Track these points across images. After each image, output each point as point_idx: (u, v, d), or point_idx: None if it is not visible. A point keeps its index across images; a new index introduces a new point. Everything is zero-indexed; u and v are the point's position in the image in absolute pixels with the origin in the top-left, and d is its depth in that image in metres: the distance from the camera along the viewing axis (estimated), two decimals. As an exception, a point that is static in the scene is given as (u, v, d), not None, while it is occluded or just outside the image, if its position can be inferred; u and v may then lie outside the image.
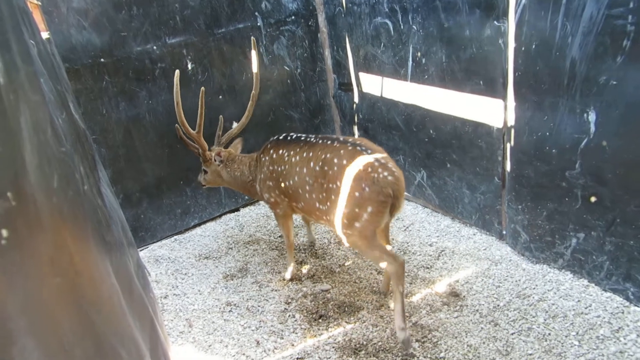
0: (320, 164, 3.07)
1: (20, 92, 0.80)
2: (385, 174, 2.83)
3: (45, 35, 3.53)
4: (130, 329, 1.18)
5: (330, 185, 3.00)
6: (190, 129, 3.63)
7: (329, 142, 3.16)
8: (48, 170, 0.83)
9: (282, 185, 3.40)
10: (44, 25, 3.64)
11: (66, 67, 3.73)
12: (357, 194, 2.86)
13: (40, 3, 3.41)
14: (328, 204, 3.05)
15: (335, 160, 3.00)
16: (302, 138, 3.40)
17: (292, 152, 3.34)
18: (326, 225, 3.57)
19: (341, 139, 3.17)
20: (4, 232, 0.65)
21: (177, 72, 3.46)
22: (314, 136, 3.35)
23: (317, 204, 3.16)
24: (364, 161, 2.89)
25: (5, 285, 0.64)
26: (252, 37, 3.73)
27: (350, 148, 3.01)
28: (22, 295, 0.67)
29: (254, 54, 3.69)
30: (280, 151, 3.43)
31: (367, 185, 2.82)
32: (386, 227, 3.26)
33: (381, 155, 2.97)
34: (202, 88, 3.56)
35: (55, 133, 0.98)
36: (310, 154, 3.18)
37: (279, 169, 3.41)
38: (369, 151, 2.96)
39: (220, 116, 3.84)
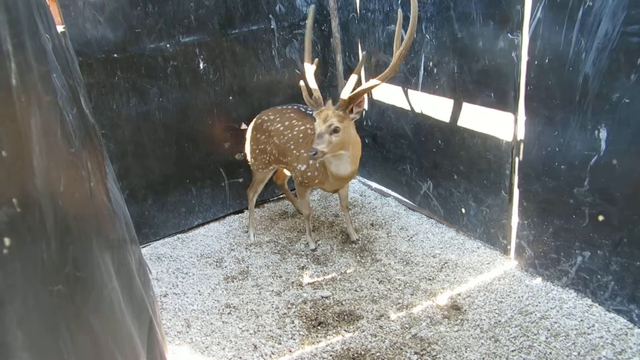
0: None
1: (33, 94, 0.78)
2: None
3: (60, 28, 3.57)
4: (129, 332, 1.17)
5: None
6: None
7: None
8: (55, 174, 0.81)
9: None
10: (60, 18, 3.67)
11: (79, 61, 3.74)
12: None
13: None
14: None
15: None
16: None
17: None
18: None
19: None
20: (7, 241, 0.62)
21: (311, 7, 3.79)
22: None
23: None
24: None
25: (5, 295, 0.62)
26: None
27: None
28: (21, 306, 0.64)
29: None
30: None
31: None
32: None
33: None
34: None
35: (64, 134, 0.97)
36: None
37: None
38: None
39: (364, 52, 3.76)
